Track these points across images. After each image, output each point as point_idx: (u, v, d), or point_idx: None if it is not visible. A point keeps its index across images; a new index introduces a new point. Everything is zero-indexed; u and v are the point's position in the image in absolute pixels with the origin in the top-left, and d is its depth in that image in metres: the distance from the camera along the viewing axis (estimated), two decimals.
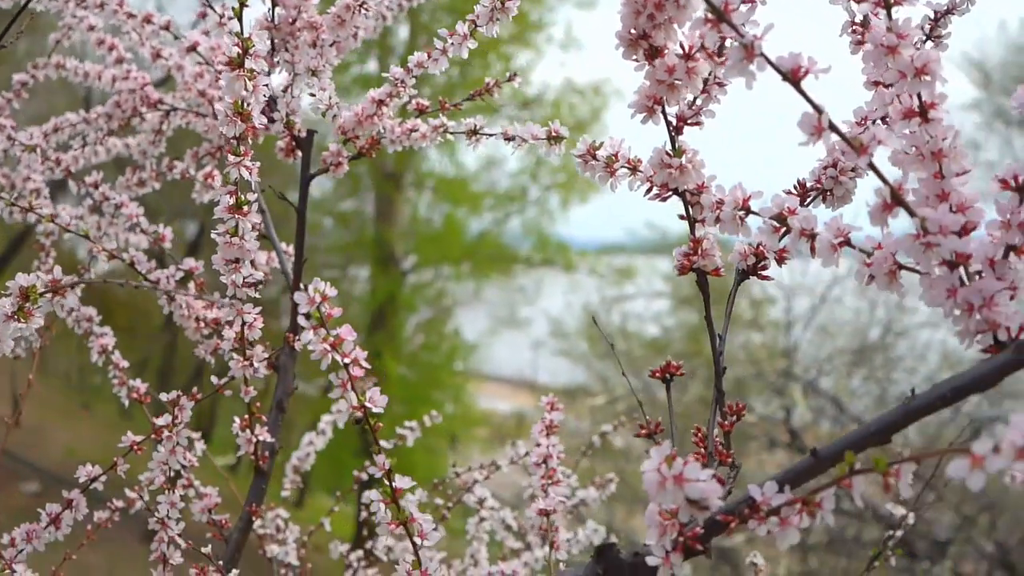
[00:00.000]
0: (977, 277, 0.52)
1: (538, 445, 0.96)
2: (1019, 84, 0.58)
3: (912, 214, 0.51)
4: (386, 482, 0.64)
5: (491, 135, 0.92)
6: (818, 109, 0.51)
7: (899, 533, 1.10)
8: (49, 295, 0.67)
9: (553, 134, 0.85)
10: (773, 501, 0.51)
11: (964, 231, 0.53)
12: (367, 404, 0.62)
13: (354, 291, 12.19)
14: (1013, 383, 7.47)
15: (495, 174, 12.29)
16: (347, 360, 0.61)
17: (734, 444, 0.68)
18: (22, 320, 0.67)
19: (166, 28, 1.10)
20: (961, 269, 0.52)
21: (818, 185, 0.68)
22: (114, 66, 1.21)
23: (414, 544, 0.64)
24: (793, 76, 0.51)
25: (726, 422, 0.65)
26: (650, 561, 0.55)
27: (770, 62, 0.51)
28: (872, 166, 0.51)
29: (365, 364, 0.62)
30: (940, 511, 5.96)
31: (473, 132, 0.93)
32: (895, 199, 0.51)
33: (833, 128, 0.51)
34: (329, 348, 0.61)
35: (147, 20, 1.10)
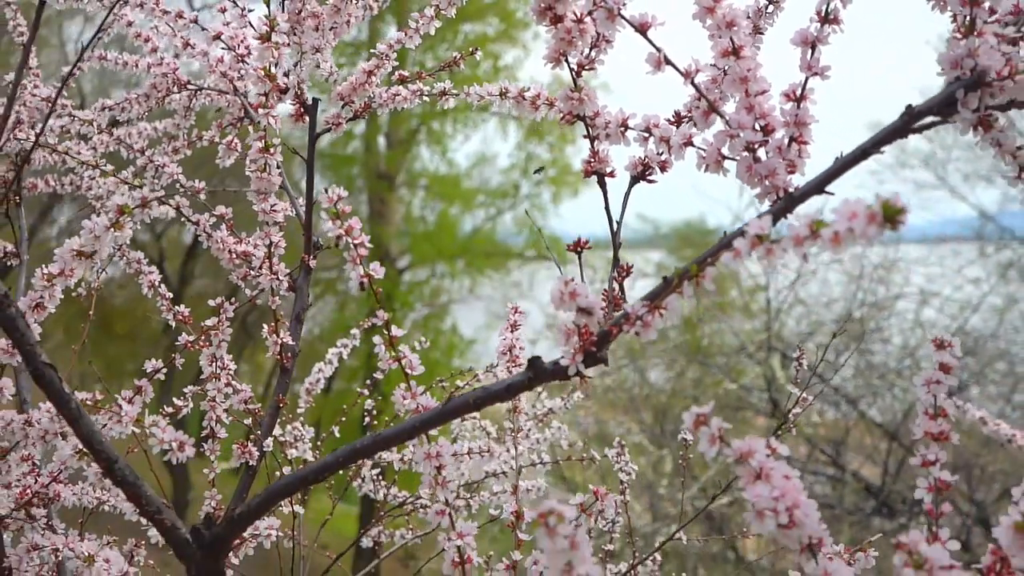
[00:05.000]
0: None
1: (504, 338, 1.22)
2: None
3: (722, 117, 0.78)
4: (385, 332, 0.90)
5: (456, 94, 1.18)
6: (658, 49, 0.77)
7: (798, 410, 1.36)
8: (139, 208, 0.92)
9: (503, 91, 1.11)
10: (639, 311, 0.77)
11: (766, 131, 0.79)
12: (371, 272, 0.89)
13: (351, 290, 12.46)
14: (990, 355, 7.67)
15: (486, 171, 12.58)
16: (356, 242, 0.87)
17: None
18: (117, 230, 0.93)
19: (194, 21, 1.36)
20: (762, 153, 0.79)
21: (689, 113, 0.94)
22: (149, 55, 1.47)
23: (405, 374, 0.90)
24: (642, 28, 0.77)
25: (620, 277, 0.91)
26: (562, 362, 0.80)
27: (626, 20, 0.77)
28: (695, 85, 0.78)
29: (368, 244, 0.88)
30: (918, 472, 6.23)
31: (443, 93, 1.20)
32: (711, 108, 0.78)
33: (668, 62, 0.77)
34: (343, 233, 0.87)
35: (179, 15, 1.36)
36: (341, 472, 1.64)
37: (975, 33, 0.70)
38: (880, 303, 7.48)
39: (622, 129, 0.86)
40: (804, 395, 1.37)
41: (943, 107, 0.70)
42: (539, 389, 1.76)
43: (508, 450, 1.51)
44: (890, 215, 0.54)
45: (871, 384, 6.68)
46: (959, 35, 0.70)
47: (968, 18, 0.70)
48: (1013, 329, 7.97)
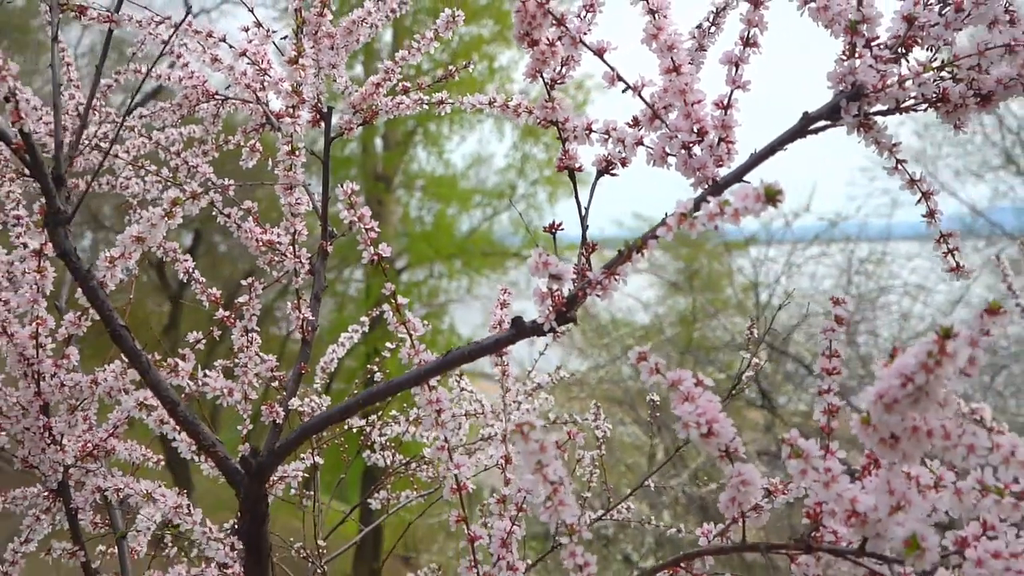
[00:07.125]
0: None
1: (494, 315, 1.41)
2: None
3: (663, 121, 0.97)
4: (392, 300, 1.10)
5: (452, 103, 1.38)
6: (612, 68, 0.96)
7: (750, 373, 1.56)
8: (190, 200, 1.12)
9: (491, 101, 1.30)
10: (599, 278, 0.96)
11: (700, 133, 0.99)
12: (379, 252, 1.08)
13: (349, 292, 12.65)
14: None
15: (483, 172, 12.77)
16: (367, 227, 1.07)
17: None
18: (170, 219, 1.12)
19: (223, 39, 1.55)
20: (697, 150, 0.98)
21: (640, 119, 1.13)
22: (181, 69, 1.66)
23: (409, 334, 1.09)
24: (599, 52, 0.97)
25: (587, 252, 1.10)
26: (538, 319, 1.00)
27: (586, 45, 0.96)
28: (641, 97, 0.97)
29: (377, 229, 1.07)
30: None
31: (441, 102, 1.39)
32: (654, 115, 0.97)
33: (619, 78, 0.97)
34: (356, 220, 1.06)
35: (209, 34, 1.55)
36: (356, 430, 1.84)
37: (855, 55, 0.89)
38: (867, 295, 7.68)
39: (587, 132, 1.06)
40: (757, 360, 1.57)
41: (831, 113, 0.90)
42: (528, 368, 1.95)
43: (501, 420, 1.70)
44: (771, 195, 0.73)
45: (858, 375, 6.88)
46: (843, 56, 0.90)
47: (850, 43, 0.90)
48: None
